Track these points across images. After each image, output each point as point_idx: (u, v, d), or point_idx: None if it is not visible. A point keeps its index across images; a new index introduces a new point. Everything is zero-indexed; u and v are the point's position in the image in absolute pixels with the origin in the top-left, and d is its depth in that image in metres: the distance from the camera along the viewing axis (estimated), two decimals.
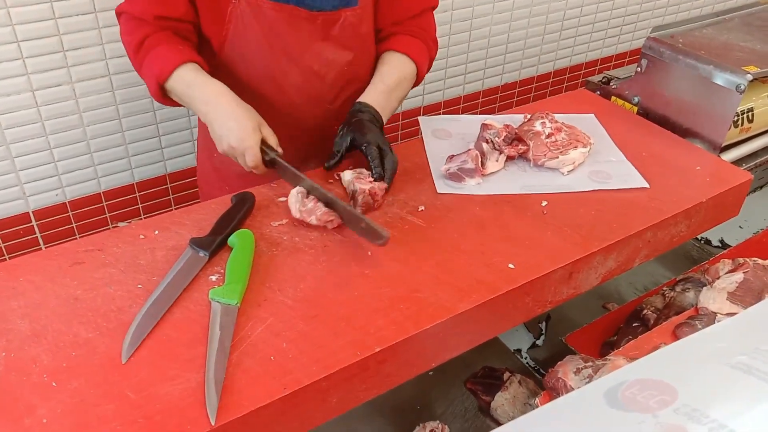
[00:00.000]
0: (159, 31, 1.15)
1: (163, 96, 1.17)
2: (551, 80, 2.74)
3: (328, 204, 1.07)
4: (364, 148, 1.17)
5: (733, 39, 1.49)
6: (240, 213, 1.08)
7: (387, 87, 1.27)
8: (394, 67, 1.30)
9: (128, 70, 1.69)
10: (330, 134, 1.29)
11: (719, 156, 1.38)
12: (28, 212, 1.77)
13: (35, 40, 1.57)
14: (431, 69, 2.13)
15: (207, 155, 1.41)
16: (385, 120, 1.26)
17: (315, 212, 1.06)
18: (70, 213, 1.83)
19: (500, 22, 2.40)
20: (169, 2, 1.15)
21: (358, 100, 1.25)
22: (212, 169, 1.41)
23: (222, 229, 1.04)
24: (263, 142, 1.14)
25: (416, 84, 1.37)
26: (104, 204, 1.87)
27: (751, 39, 1.49)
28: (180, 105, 1.21)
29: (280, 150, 1.15)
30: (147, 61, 1.15)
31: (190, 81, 1.14)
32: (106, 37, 1.65)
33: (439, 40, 2.13)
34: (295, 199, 1.09)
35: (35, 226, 1.80)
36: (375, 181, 1.13)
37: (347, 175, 1.15)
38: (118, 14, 1.19)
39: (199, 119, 1.37)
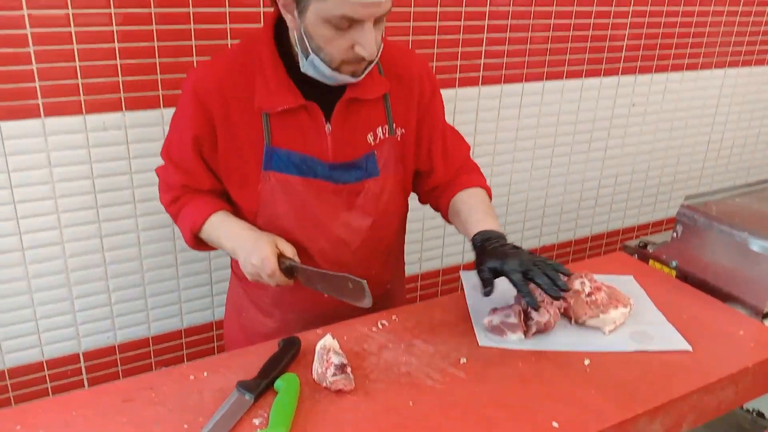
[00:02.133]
0: (187, 194, 1.29)
1: (197, 244, 1.30)
2: (589, 244, 2.80)
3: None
4: (511, 276, 1.17)
5: (767, 208, 1.54)
6: (286, 357, 1.11)
7: (487, 213, 1.32)
8: (477, 197, 1.37)
9: None
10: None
11: (762, 322, 1.37)
12: (78, 353, 1.83)
13: (106, 193, 1.73)
14: None
15: (235, 315, 1.46)
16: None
17: (326, 378, 1.06)
18: (118, 356, 1.88)
19: (537, 188, 2.53)
20: (196, 179, 1.27)
21: (475, 232, 1.26)
22: (239, 328, 1.46)
23: (268, 372, 1.07)
24: (282, 255, 1.19)
25: None
26: (151, 348, 1.93)
27: None
28: (214, 248, 1.31)
29: (297, 259, 1.20)
30: (181, 215, 1.29)
31: (219, 224, 1.26)
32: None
33: None
34: (317, 356, 1.10)
35: (83, 367, 1.85)
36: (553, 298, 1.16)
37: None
38: (157, 174, 1.34)
39: (229, 289, 1.48)
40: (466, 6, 2.08)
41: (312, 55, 1.12)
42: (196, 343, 2.01)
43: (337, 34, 1.08)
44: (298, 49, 1.15)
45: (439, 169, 1.39)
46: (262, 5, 1.75)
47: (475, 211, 1.33)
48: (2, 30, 1.49)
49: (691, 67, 2.74)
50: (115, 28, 1.60)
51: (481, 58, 2.18)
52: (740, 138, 3.09)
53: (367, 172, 1.27)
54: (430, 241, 2.35)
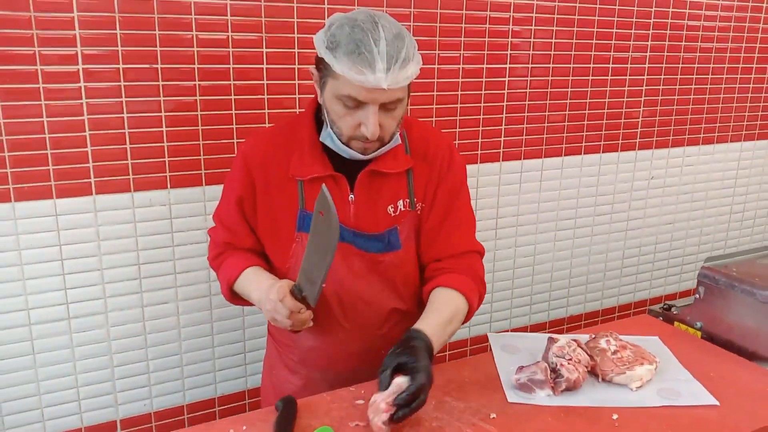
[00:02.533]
0: (230, 250, 1.40)
1: (232, 297, 1.39)
2: (616, 314, 2.81)
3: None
4: (411, 374, 1.13)
5: None
6: (292, 414, 1.16)
7: (442, 320, 1.28)
8: (448, 302, 1.32)
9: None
10: (376, 358, 1.29)
11: None
12: (116, 420, 1.88)
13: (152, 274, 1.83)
14: (498, 299, 2.28)
15: (267, 373, 1.56)
16: (435, 350, 1.24)
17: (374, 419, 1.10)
18: (154, 423, 1.93)
19: (562, 259, 2.58)
20: (239, 237, 1.39)
21: (413, 327, 1.25)
22: (270, 386, 1.54)
23: (287, 428, 1.12)
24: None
25: (465, 321, 1.36)
26: (185, 416, 1.97)
27: None
28: (248, 303, 1.39)
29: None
30: (221, 270, 1.40)
31: (250, 277, 1.35)
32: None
33: (504, 271, 2.32)
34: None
35: None
36: (390, 410, 1.10)
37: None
38: (208, 234, 1.47)
39: (266, 352, 1.57)
40: (485, 90, 2.22)
41: (329, 129, 1.26)
42: (229, 411, 2.04)
43: (347, 111, 1.20)
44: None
45: (422, 251, 1.38)
46: (297, 92, 1.90)
47: (430, 313, 1.30)
48: (63, 117, 1.64)
49: (707, 141, 2.83)
50: (163, 114, 1.76)
51: (501, 136, 2.30)
52: (763, 209, 3.13)
53: (389, 246, 1.33)
54: None
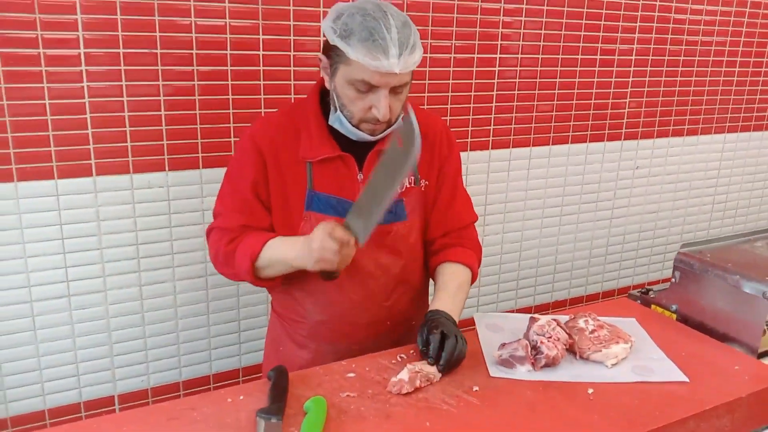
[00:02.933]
0: (245, 233, 1.41)
1: (256, 277, 1.38)
2: (600, 301, 2.89)
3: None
4: (431, 334, 1.29)
5: (759, 254, 1.65)
6: (285, 383, 1.22)
7: (451, 294, 1.44)
8: (454, 275, 1.48)
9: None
10: (382, 330, 1.49)
11: (760, 360, 1.46)
12: (113, 395, 1.94)
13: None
14: (485, 284, 2.35)
15: (273, 350, 1.59)
16: (456, 320, 1.39)
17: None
18: (150, 399, 1.99)
19: (548, 245, 2.65)
20: (255, 217, 1.42)
21: (429, 308, 1.40)
22: (276, 362, 1.54)
23: (279, 398, 1.17)
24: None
25: (471, 282, 1.54)
26: (181, 393, 2.03)
27: None
28: (273, 283, 1.42)
29: None
30: (238, 251, 1.37)
31: (278, 244, 1.36)
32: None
33: (491, 257, 2.39)
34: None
35: (117, 410, 1.95)
36: (432, 364, 1.28)
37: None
38: (208, 232, 1.46)
39: (268, 329, 1.62)
40: (475, 79, 2.27)
41: (338, 112, 1.33)
42: (223, 387, 2.10)
43: (358, 95, 1.29)
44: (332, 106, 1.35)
45: (434, 221, 1.51)
46: (292, 78, 1.95)
47: (443, 288, 1.46)
48: (64, 99, 1.69)
49: (692, 132, 2.90)
50: (162, 98, 1.80)
51: (491, 125, 2.36)
52: (744, 199, 3.21)
53: (396, 216, 1.43)
54: None
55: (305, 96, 1.45)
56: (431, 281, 1.59)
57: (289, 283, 1.46)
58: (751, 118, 3.07)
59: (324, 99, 1.41)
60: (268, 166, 1.39)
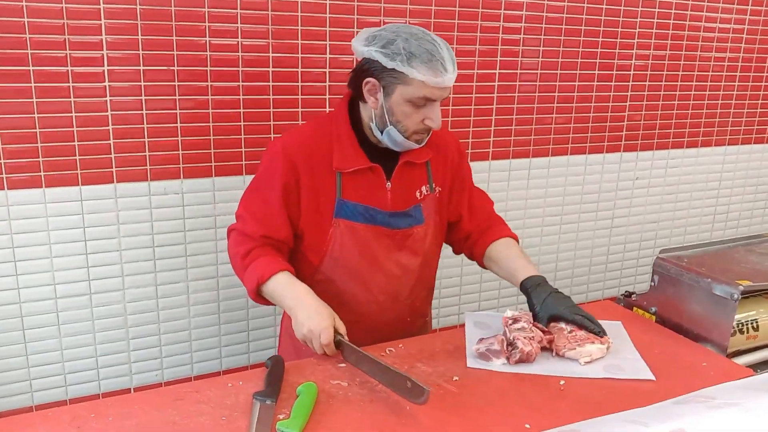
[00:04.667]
0: (263, 246, 1.51)
1: (257, 295, 1.48)
2: (586, 303, 2.96)
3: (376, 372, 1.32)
4: (571, 317, 1.51)
5: (735, 260, 1.74)
6: (281, 370, 1.35)
7: (525, 258, 1.65)
8: (509, 246, 1.69)
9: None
10: (403, 326, 1.63)
11: (730, 359, 1.55)
12: (130, 388, 2.09)
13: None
14: (486, 289, 2.45)
15: (290, 340, 1.69)
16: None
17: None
18: None
19: (548, 253, 2.75)
20: (275, 227, 1.52)
21: (523, 277, 1.59)
22: (294, 351, 1.68)
23: (275, 382, 1.30)
24: (336, 330, 1.41)
25: None
26: None
27: (751, 261, 1.74)
28: (270, 303, 1.52)
29: (346, 338, 1.42)
30: (251, 267, 1.48)
31: (284, 283, 1.46)
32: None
33: None
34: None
35: None
36: (596, 335, 1.48)
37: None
38: (229, 232, 1.57)
39: (284, 316, 1.73)
40: (475, 93, 2.39)
41: (390, 127, 1.47)
42: None
43: (414, 110, 1.44)
44: (373, 123, 1.50)
45: (466, 219, 1.70)
46: (300, 93, 2.09)
47: (514, 259, 1.65)
48: (89, 113, 1.85)
49: (692, 144, 2.98)
50: (178, 111, 1.96)
51: (490, 137, 2.48)
52: (746, 210, 3.27)
53: (415, 220, 1.59)
54: (446, 299, 2.58)
55: (333, 110, 1.60)
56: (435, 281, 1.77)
57: (316, 285, 1.53)
58: (752, 130, 3.14)
59: (352, 113, 1.54)
60: (300, 174, 1.50)
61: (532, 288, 1.56)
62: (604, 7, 2.55)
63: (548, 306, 1.53)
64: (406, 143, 1.49)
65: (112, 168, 1.92)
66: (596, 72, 2.62)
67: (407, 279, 1.61)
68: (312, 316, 1.41)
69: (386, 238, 1.56)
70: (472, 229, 1.70)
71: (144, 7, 1.84)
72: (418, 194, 1.59)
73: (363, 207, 1.53)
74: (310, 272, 1.58)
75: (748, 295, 1.60)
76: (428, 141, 1.57)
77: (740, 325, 1.58)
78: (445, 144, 1.64)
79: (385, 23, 2.11)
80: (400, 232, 1.57)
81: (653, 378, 1.40)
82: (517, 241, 1.72)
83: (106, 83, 1.85)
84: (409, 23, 2.19)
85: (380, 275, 1.57)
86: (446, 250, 1.79)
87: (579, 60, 2.56)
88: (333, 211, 1.52)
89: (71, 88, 1.81)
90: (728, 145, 3.09)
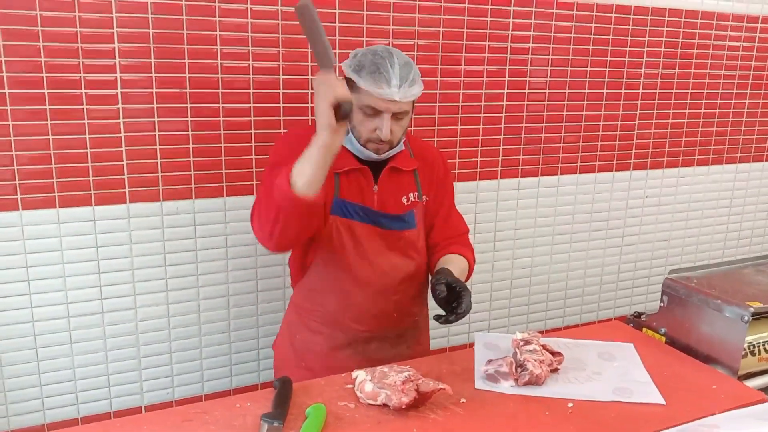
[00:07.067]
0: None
1: (295, 195, 1.38)
2: (596, 323, 2.94)
3: None
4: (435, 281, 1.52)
5: (744, 280, 1.73)
6: (288, 391, 1.35)
7: (456, 268, 1.65)
8: (454, 259, 1.71)
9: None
10: (388, 322, 1.71)
11: (741, 381, 1.53)
12: (141, 406, 2.10)
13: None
14: (495, 308, 2.45)
15: (288, 341, 1.77)
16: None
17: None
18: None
19: (558, 272, 2.74)
20: None
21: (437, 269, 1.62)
22: (292, 352, 1.75)
23: (282, 404, 1.30)
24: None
25: (468, 275, 1.76)
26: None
27: (761, 282, 1.72)
28: (312, 198, 1.41)
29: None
30: (276, 183, 1.40)
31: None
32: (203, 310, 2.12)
33: (502, 281, 2.50)
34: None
35: None
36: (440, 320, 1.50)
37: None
38: (251, 214, 1.51)
39: (283, 324, 1.80)
40: (484, 113, 2.41)
41: (350, 133, 1.58)
42: None
43: (366, 118, 1.54)
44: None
45: (436, 229, 1.76)
46: (309, 114, 2.12)
47: (447, 263, 1.67)
48: (102, 134, 1.88)
49: (702, 162, 2.97)
50: (190, 133, 1.98)
51: (499, 156, 2.49)
52: (759, 228, 3.24)
53: (407, 224, 1.69)
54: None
55: None
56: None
57: (310, 267, 1.67)
58: (763, 148, 3.13)
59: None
60: None
61: (438, 276, 1.55)
62: (612, 27, 2.56)
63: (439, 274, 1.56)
64: (363, 150, 1.58)
65: (125, 188, 1.95)
66: (605, 91, 2.63)
67: (395, 276, 1.68)
68: (316, 92, 1.39)
69: (378, 237, 1.65)
70: (440, 240, 1.76)
71: (157, 30, 1.88)
72: (405, 200, 1.68)
73: (357, 206, 1.63)
74: (304, 258, 1.69)
75: (759, 316, 1.59)
76: (417, 153, 1.71)
77: (751, 346, 1.57)
78: (432, 158, 1.75)
79: (393, 45, 2.14)
80: (393, 234, 1.67)
81: (663, 402, 1.39)
82: (471, 266, 1.76)
83: (120, 105, 1.88)
84: (418, 45, 2.22)
85: (370, 270, 1.65)
86: None
87: (587, 79, 2.58)
88: (330, 209, 1.61)
89: (85, 110, 1.85)
90: (739, 162, 3.07)
